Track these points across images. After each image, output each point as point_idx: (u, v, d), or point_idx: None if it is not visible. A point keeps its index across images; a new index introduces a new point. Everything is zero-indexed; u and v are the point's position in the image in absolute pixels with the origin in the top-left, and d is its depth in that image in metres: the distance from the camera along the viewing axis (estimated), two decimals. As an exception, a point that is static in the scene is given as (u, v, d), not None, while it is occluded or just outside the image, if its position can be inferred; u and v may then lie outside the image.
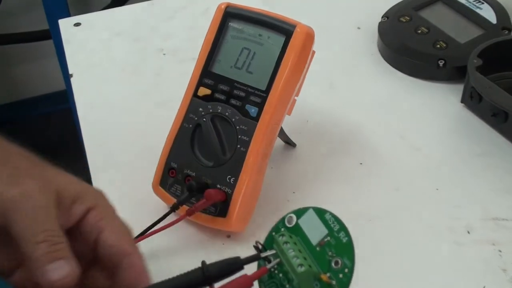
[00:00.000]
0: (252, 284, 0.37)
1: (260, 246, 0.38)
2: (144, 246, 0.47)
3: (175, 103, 0.51)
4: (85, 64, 0.69)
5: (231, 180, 0.47)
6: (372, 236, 0.49)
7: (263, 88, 0.48)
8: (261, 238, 0.39)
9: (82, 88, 0.65)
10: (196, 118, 0.49)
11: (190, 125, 0.49)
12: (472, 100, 0.59)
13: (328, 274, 0.36)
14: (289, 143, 0.57)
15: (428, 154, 0.56)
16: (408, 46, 0.65)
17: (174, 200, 0.48)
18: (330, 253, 0.36)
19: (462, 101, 0.61)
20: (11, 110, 1.82)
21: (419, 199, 0.52)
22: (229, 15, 0.50)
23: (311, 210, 0.38)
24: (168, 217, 0.47)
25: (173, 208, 0.47)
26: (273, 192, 0.52)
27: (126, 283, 0.37)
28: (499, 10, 0.67)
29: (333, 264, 0.36)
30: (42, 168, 0.39)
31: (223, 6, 0.50)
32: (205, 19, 0.52)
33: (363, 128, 0.59)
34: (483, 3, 0.68)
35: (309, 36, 0.48)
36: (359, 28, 0.72)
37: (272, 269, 0.38)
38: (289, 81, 0.48)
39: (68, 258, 0.35)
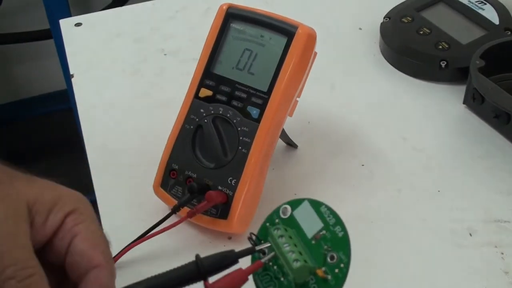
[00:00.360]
0: (247, 279, 0.36)
1: (254, 238, 0.38)
2: (145, 247, 0.47)
3: (176, 103, 0.51)
4: (86, 65, 0.69)
5: (232, 181, 0.47)
6: (373, 238, 0.49)
7: (265, 90, 0.48)
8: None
9: (83, 89, 0.65)
10: (197, 119, 0.49)
11: (191, 126, 0.49)
12: (475, 102, 0.59)
13: (323, 269, 0.35)
14: (291, 145, 0.56)
15: (430, 156, 0.56)
16: (410, 47, 0.65)
17: (175, 202, 0.48)
18: (325, 247, 0.36)
19: (464, 103, 0.61)
20: (12, 110, 1.82)
21: (421, 201, 0.52)
22: (231, 16, 0.50)
23: (306, 202, 0.37)
24: (169, 218, 0.47)
25: (174, 210, 0.47)
26: (274, 194, 0.52)
27: None
28: (502, 11, 0.67)
29: (328, 259, 0.35)
30: (8, 181, 0.35)
31: (224, 7, 0.50)
32: (206, 19, 0.52)
33: (365, 129, 0.59)
34: (485, 4, 0.67)
35: (311, 37, 0.48)
36: (361, 28, 0.72)
37: (267, 261, 0.37)
38: (290, 83, 0.48)
39: None
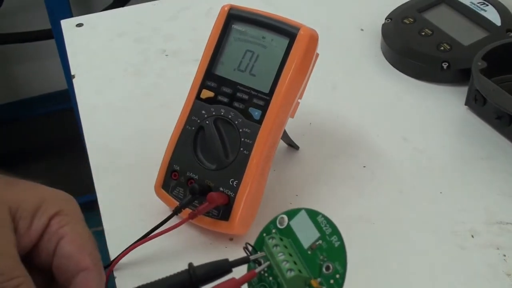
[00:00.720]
0: None
1: (250, 248, 0.37)
2: (146, 249, 0.47)
3: (178, 104, 0.50)
4: (87, 65, 0.68)
5: (234, 183, 0.47)
6: (375, 239, 0.49)
7: (267, 91, 0.47)
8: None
9: (84, 89, 0.65)
10: (199, 121, 0.49)
11: (193, 128, 0.49)
12: (476, 103, 0.59)
13: (319, 280, 0.35)
14: (292, 146, 0.56)
15: (432, 157, 0.56)
16: (412, 48, 0.65)
17: (177, 203, 0.48)
18: (321, 257, 0.35)
19: (466, 104, 0.60)
20: (13, 110, 1.82)
21: (422, 202, 0.52)
22: (233, 17, 0.50)
23: (303, 212, 0.37)
24: (170, 220, 0.47)
25: (176, 211, 0.47)
26: (276, 195, 0.52)
27: None
28: (504, 12, 0.67)
29: (324, 269, 0.35)
30: None
31: (226, 8, 0.50)
32: (208, 20, 0.52)
33: (367, 130, 0.59)
34: (487, 5, 0.67)
35: (313, 39, 0.48)
36: (362, 29, 0.72)
37: (262, 272, 0.37)
38: (292, 84, 0.47)
39: None
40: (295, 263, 0.36)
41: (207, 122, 0.49)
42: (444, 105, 0.61)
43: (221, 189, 0.47)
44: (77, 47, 0.71)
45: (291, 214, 0.37)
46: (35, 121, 1.81)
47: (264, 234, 0.38)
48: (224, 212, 0.47)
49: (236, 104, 0.48)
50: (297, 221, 0.37)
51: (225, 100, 0.48)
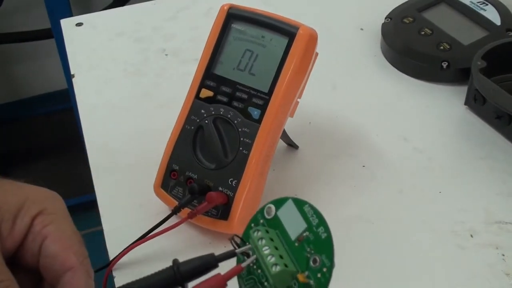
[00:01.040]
0: (225, 284, 0.35)
1: (238, 241, 0.36)
2: (145, 248, 0.47)
3: (177, 104, 0.50)
4: (87, 65, 0.68)
5: (233, 182, 0.47)
6: (374, 239, 0.49)
7: (266, 90, 0.47)
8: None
9: (84, 89, 0.65)
10: (198, 120, 0.49)
11: (192, 127, 0.49)
12: (476, 103, 0.59)
13: (306, 273, 0.34)
14: (292, 145, 0.56)
15: (432, 157, 0.56)
16: (412, 48, 0.65)
17: (176, 202, 0.48)
18: (308, 250, 0.34)
19: (465, 103, 0.60)
20: (12, 109, 1.82)
21: (422, 202, 0.52)
22: (232, 16, 0.50)
23: (290, 201, 0.36)
24: (169, 219, 0.47)
25: (175, 211, 0.47)
26: (275, 195, 0.51)
27: None
28: (503, 12, 0.67)
29: (311, 262, 0.34)
30: None
31: (226, 8, 0.50)
32: (208, 19, 0.52)
33: (366, 130, 0.59)
34: (487, 4, 0.67)
35: (312, 38, 0.48)
36: (362, 29, 0.72)
37: (251, 264, 0.36)
38: (292, 83, 0.47)
39: None
40: (281, 256, 0.34)
41: (206, 121, 0.49)
42: (444, 104, 0.61)
43: (220, 188, 0.47)
44: (77, 46, 0.71)
45: (278, 203, 0.36)
46: (34, 121, 1.81)
47: (253, 224, 0.37)
48: (223, 211, 0.47)
49: (235, 103, 0.48)
50: (284, 211, 0.36)
51: (225, 99, 0.48)
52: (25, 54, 1.74)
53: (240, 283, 0.37)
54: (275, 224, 0.36)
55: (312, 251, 0.34)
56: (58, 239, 0.34)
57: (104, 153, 0.57)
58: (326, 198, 0.53)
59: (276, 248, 0.35)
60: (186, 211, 0.47)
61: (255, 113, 0.47)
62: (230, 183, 0.47)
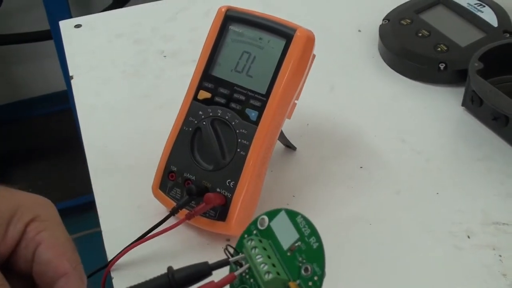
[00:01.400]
0: None
1: (231, 251, 0.37)
2: (143, 249, 0.47)
3: (176, 105, 0.51)
4: (86, 66, 0.69)
5: (231, 184, 0.47)
6: (372, 240, 0.49)
7: (263, 92, 0.48)
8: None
9: (82, 90, 0.65)
10: (196, 122, 0.49)
11: (190, 129, 0.49)
12: (473, 104, 0.59)
13: (298, 282, 0.34)
14: (289, 147, 0.56)
15: (429, 158, 0.56)
16: (409, 49, 0.65)
17: (174, 204, 0.48)
18: (300, 259, 0.35)
19: (463, 105, 0.61)
20: (11, 110, 1.82)
21: (419, 203, 0.52)
22: (230, 18, 0.50)
23: (283, 212, 0.36)
24: (167, 220, 0.47)
25: (173, 212, 0.47)
26: (273, 196, 0.52)
27: None
28: (500, 13, 0.67)
29: (303, 271, 0.34)
30: None
31: (223, 10, 0.50)
32: (206, 21, 0.52)
33: (364, 131, 0.59)
34: (484, 6, 0.67)
35: (310, 40, 0.48)
36: (359, 30, 0.72)
37: (244, 274, 0.37)
38: (289, 85, 0.48)
39: None
40: (273, 265, 0.35)
41: (204, 123, 0.49)
42: (441, 106, 0.62)
43: (218, 189, 0.47)
44: (76, 48, 0.71)
45: (271, 214, 0.37)
46: (33, 122, 1.81)
47: (246, 235, 0.38)
48: (221, 212, 0.47)
49: (233, 105, 0.48)
50: (277, 222, 0.37)
51: (222, 101, 0.49)
52: (24, 55, 1.74)
53: None
54: (268, 234, 0.37)
55: (304, 260, 0.35)
56: (51, 245, 0.34)
57: (103, 154, 0.58)
58: (324, 199, 0.53)
59: (269, 257, 0.36)
60: (184, 212, 0.47)
61: (253, 114, 0.48)
62: (228, 184, 0.47)
